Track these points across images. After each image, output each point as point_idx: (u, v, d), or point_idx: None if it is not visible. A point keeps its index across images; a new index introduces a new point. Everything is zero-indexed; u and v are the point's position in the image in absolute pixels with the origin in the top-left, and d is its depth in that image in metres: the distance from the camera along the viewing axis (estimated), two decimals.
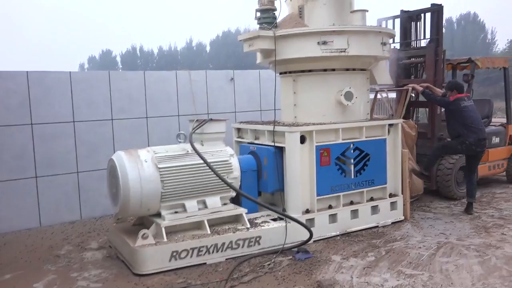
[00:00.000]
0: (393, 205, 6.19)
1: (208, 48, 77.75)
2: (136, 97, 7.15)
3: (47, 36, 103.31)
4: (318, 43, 5.51)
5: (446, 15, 76.49)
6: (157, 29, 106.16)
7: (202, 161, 4.88)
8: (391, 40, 6.77)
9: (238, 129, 6.56)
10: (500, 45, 69.37)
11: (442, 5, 7.11)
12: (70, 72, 6.73)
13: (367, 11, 5.86)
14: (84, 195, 6.80)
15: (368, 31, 5.70)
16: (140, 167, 4.78)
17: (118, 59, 79.01)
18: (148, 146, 6.79)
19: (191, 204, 5.04)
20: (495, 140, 8.03)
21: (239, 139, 6.48)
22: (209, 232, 4.91)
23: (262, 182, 5.74)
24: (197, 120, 5.33)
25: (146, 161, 4.85)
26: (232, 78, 8.08)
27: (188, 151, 5.11)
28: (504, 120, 8.47)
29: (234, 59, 64.00)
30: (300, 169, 5.43)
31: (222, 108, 7.98)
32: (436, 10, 7.14)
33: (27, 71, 6.38)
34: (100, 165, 6.78)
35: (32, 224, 6.41)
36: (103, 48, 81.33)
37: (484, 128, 6.69)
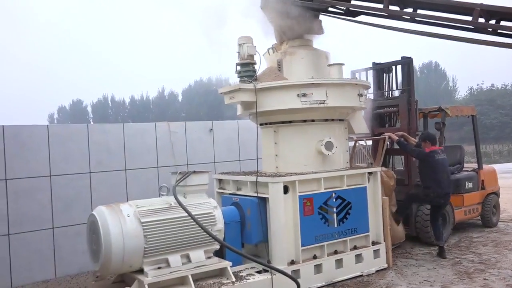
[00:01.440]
0: (376, 253, 6.19)
1: (180, 97, 78.45)
2: (115, 149, 7.07)
3: (15, 85, 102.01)
4: (298, 95, 5.67)
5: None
6: (129, 78, 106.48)
7: (185, 214, 4.82)
8: (366, 91, 7.06)
9: (220, 180, 6.53)
10: (462, 92, 72.99)
11: (412, 58, 7.49)
12: (47, 125, 6.64)
13: (343, 64, 6.11)
14: (59, 252, 6.53)
15: (345, 84, 5.92)
16: (123, 222, 4.66)
17: (89, 109, 78.62)
18: (127, 199, 6.70)
19: (175, 259, 4.90)
20: (469, 185, 8.26)
21: (221, 190, 6.45)
22: (193, 287, 4.77)
23: (245, 233, 5.67)
24: (180, 173, 5.30)
25: (128, 216, 4.74)
26: (211, 129, 8.14)
27: (171, 204, 5.03)
28: (475, 165, 8.76)
29: (206, 108, 64.70)
30: (284, 220, 5.41)
31: (201, 159, 7.97)
32: (407, 63, 7.51)
33: (2, 126, 6.26)
34: (76, 220, 6.58)
35: (1, 285, 6.07)
36: (74, 98, 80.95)
37: (451, 182, 7.06)
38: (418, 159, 7.01)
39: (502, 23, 5.09)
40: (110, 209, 4.77)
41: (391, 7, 5.56)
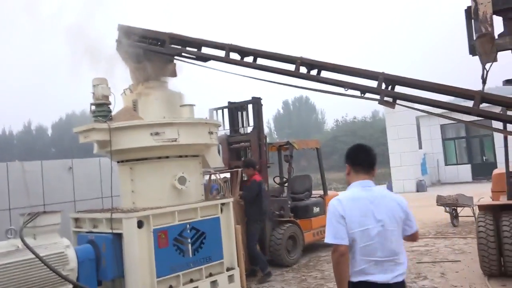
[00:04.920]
0: (230, 278, 6.66)
1: (50, 132, 73.22)
2: None
3: None
4: (151, 134, 6.03)
5: (283, 97, 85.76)
6: None
7: (33, 256, 4.80)
8: (221, 128, 7.71)
9: (76, 219, 6.52)
10: (329, 124, 79.57)
11: (261, 98, 8.38)
12: None
13: (194, 105, 6.65)
14: None
15: (196, 123, 6.44)
16: None
17: None
18: None
19: None
20: (316, 209, 9.31)
21: (77, 229, 6.43)
22: None
23: (101, 270, 5.75)
24: (28, 214, 5.25)
25: None
26: (70, 167, 8.06)
27: (18, 247, 4.95)
28: (321, 192, 9.91)
29: (79, 143, 61.18)
30: (139, 253, 5.63)
31: (60, 198, 7.81)
32: (256, 102, 8.38)
33: None
34: None
35: None
36: None
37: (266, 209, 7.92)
38: (257, 192, 7.66)
39: (323, 73, 6.10)
40: None
41: (234, 57, 6.31)
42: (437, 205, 11.20)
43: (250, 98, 8.50)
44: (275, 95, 68.54)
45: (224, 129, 8.71)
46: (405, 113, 19.32)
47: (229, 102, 8.77)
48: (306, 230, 8.82)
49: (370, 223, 2.87)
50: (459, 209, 11.10)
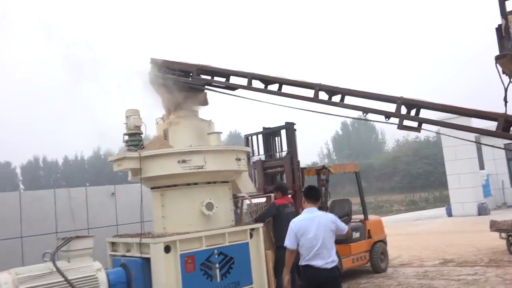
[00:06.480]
0: None
1: None
2: (10, 218, 7.23)
3: None
4: (179, 161, 6.27)
5: (341, 118, 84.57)
6: (62, 138, 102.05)
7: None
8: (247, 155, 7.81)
9: (113, 243, 6.86)
10: (390, 144, 77.14)
11: (294, 123, 8.43)
12: None
13: (221, 133, 6.85)
14: None
15: (222, 150, 6.61)
16: None
17: (18, 171, 75.07)
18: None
19: None
20: (356, 235, 9.07)
21: (113, 253, 6.76)
22: None
23: None
24: (62, 238, 5.62)
25: (6, 284, 4.96)
26: (113, 193, 8.51)
27: (52, 270, 5.31)
28: (362, 217, 9.66)
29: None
30: (165, 278, 5.81)
31: (103, 223, 8.26)
32: (289, 128, 8.43)
33: None
34: None
35: None
36: (1, 159, 76.99)
37: None
38: (272, 215, 7.38)
39: (346, 99, 6.08)
40: None
41: (258, 85, 6.46)
42: (491, 231, 10.52)
43: (284, 124, 8.57)
44: (334, 116, 67.69)
45: (259, 154, 8.82)
46: (462, 132, 18.39)
47: (263, 128, 8.90)
48: (344, 256, 8.60)
49: (310, 233, 4.81)
50: None
